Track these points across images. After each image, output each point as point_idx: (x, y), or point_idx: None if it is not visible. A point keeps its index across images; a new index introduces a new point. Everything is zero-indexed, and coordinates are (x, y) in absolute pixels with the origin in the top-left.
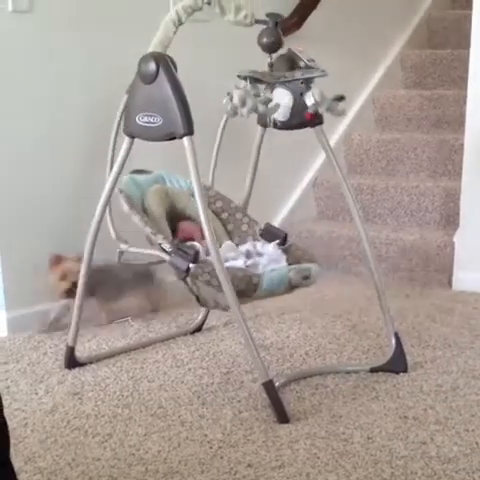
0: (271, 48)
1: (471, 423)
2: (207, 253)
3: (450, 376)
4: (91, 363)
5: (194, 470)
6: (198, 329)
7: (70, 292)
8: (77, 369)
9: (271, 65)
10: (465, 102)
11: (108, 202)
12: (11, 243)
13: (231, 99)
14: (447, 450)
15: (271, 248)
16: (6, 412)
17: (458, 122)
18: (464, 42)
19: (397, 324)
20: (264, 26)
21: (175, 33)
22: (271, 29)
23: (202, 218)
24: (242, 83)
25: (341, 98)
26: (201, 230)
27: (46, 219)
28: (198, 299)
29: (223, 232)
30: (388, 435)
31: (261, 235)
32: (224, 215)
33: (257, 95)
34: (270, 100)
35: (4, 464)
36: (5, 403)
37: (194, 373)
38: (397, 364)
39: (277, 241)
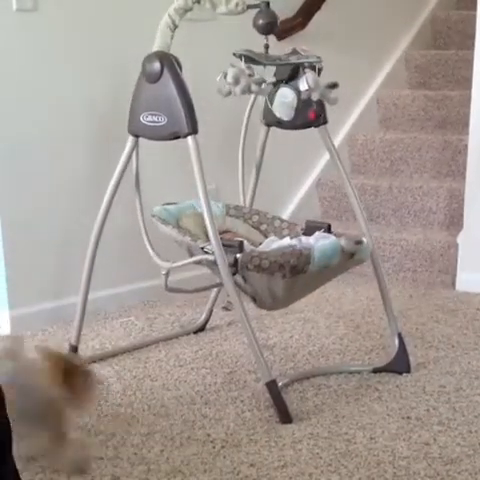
0: (266, 29)
1: (474, 424)
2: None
3: (453, 377)
4: (94, 362)
5: (197, 469)
6: (201, 329)
7: None
8: None
9: (267, 46)
10: (469, 103)
11: (111, 202)
12: (15, 241)
13: (225, 77)
14: (450, 451)
15: (316, 234)
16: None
17: (462, 123)
18: (469, 42)
19: (400, 324)
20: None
21: (172, 37)
22: (264, 10)
23: (205, 210)
24: (238, 62)
25: (334, 85)
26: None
27: (49, 217)
28: (254, 299)
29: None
30: (391, 435)
31: (304, 233)
32: (263, 227)
33: (251, 75)
34: (264, 80)
35: (6, 462)
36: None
37: (197, 373)
38: (400, 365)
39: (322, 229)
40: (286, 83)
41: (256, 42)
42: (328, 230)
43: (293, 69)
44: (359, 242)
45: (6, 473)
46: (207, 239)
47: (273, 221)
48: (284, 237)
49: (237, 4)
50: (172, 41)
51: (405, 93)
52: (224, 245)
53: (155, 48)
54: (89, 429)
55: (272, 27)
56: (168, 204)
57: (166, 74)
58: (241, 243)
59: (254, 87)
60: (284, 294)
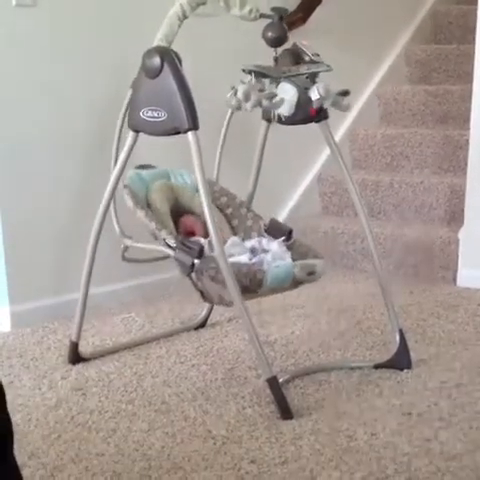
0: (276, 42)
1: (475, 420)
2: (211, 249)
3: (454, 373)
4: (95, 358)
5: (198, 466)
6: (202, 325)
7: None
8: (81, 364)
9: (276, 59)
10: (470, 97)
11: (112, 197)
12: (15, 238)
13: (235, 93)
14: (451, 447)
15: (276, 245)
16: (9, 407)
17: (463, 118)
18: (469, 37)
19: (401, 320)
20: (269, 20)
21: (180, 27)
22: (276, 23)
23: (206, 213)
24: (247, 77)
25: (346, 93)
26: (203, 225)
27: (49, 214)
28: (203, 295)
29: (228, 227)
30: (392, 431)
31: (266, 231)
32: (229, 210)
33: (261, 90)
34: (275, 95)
35: (7, 460)
36: (8, 398)
37: (198, 369)
38: (401, 360)
39: (282, 238)
40: (286, 78)
41: (257, 36)
42: (289, 236)
43: (295, 62)
44: (311, 273)
45: (8, 470)
46: (172, 226)
47: (240, 208)
48: (247, 230)
49: (251, 10)
50: (178, 31)
51: (406, 88)
52: (185, 245)
53: (160, 36)
54: (90, 426)
55: (282, 41)
56: (142, 167)
57: (166, 69)
58: (201, 249)
59: (265, 102)
60: (231, 302)
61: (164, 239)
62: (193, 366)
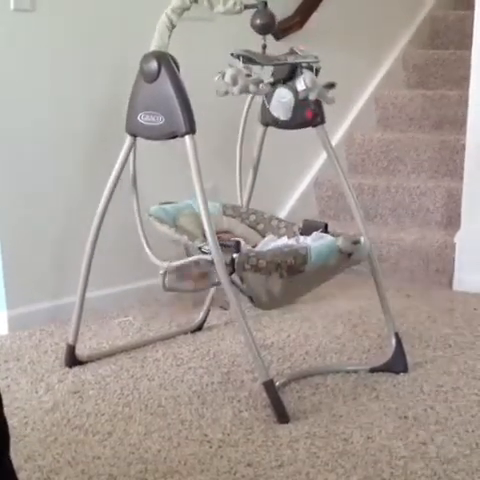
0: (264, 29)
1: (471, 423)
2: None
3: (450, 376)
4: (91, 361)
5: (194, 469)
6: (198, 328)
7: None
8: (77, 367)
9: (264, 47)
10: (467, 102)
11: (109, 200)
12: (12, 241)
13: (223, 77)
14: (447, 450)
15: (314, 234)
16: (6, 410)
17: (460, 122)
18: (467, 42)
19: (397, 324)
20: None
21: (170, 37)
22: (262, 10)
23: (202, 210)
24: (235, 62)
25: (332, 85)
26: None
27: (48, 217)
28: (251, 298)
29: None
30: (388, 435)
31: (301, 233)
32: (260, 227)
33: (249, 75)
34: (261, 80)
35: (3, 463)
36: (5, 402)
37: (194, 372)
38: (397, 364)
39: (319, 230)
40: (283, 83)
41: (254, 42)
42: (325, 229)
43: (291, 69)
44: (356, 242)
45: (4, 474)
46: (204, 239)
47: (270, 221)
48: (281, 236)
49: (235, 3)
50: (169, 40)
51: (403, 93)
52: (221, 245)
53: (153, 48)
54: (86, 429)
55: (270, 27)
56: (165, 203)
57: (163, 74)
58: (238, 243)
59: (252, 87)
60: (281, 294)
61: (199, 248)
62: (189, 369)
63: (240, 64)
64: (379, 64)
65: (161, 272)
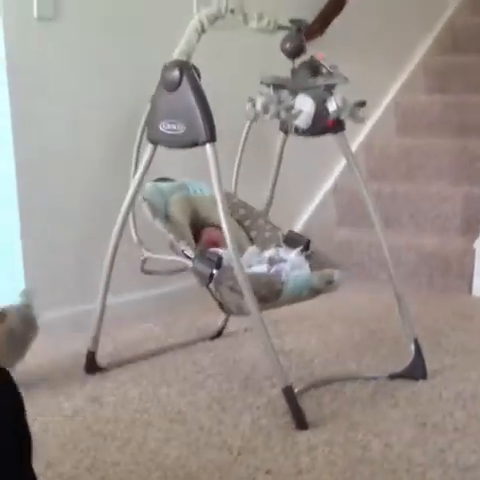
0: (294, 53)
1: None
2: (229, 259)
3: (469, 383)
4: (111, 368)
5: (213, 476)
6: (218, 335)
7: None
8: (97, 374)
9: (293, 71)
10: None
11: (131, 209)
12: (34, 247)
13: (254, 105)
14: (466, 458)
15: (294, 255)
16: (27, 417)
17: None
18: None
19: (416, 330)
20: (287, 32)
21: (198, 41)
22: (294, 35)
23: (224, 225)
24: (265, 89)
25: (362, 104)
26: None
27: (68, 226)
28: (221, 305)
29: (246, 239)
30: (406, 442)
31: (284, 241)
32: (247, 222)
33: (280, 101)
34: (292, 106)
35: (27, 471)
36: (26, 408)
37: (213, 379)
38: (416, 371)
39: (300, 248)
40: (304, 89)
41: (274, 50)
42: (307, 246)
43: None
44: (330, 282)
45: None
46: (190, 239)
47: (257, 219)
48: (265, 242)
49: (269, 23)
50: (197, 45)
51: (423, 99)
52: (203, 256)
53: (179, 50)
54: (105, 435)
55: (299, 52)
56: (161, 180)
57: (185, 83)
58: (219, 259)
59: (283, 114)
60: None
61: (183, 250)
62: (209, 376)
63: (270, 91)
64: (399, 70)
65: (141, 258)
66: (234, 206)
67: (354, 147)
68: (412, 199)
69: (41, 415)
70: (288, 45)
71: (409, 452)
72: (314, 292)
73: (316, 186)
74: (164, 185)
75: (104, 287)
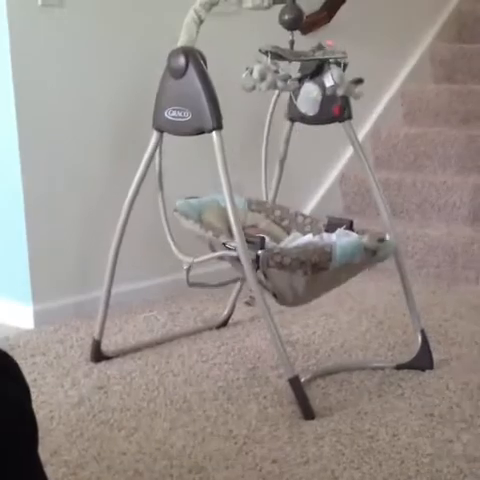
0: (292, 24)
1: None
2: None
3: (477, 374)
4: (117, 357)
5: (219, 465)
6: (224, 324)
7: None
8: (103, 363)
9: (292, 42)
10: None
11: (136, 196)
12: (38, 236)
13: (250, 73)
14: (473, 448)
15: (338, 231)
16: (32, 405)
17: None
18: None
19: (423, 321)
20: (283, 4)
21: (198, 32)
22: (290, 6)
23: (229, 210)
24: (263, 58)
25: (359, 81)
26: (264, 234)
27: (74, 212)
28: (275, 295)
29: (286, 236)
30: (414, 433)
31: (326, 230)
32: (285, 222)
33: (277, 71)
34: (289, 76)
35: (33, 458)
36: (31, 396)
37: (219, 368)
38: (423, 361)
39: (343, 227)
40: (311, 78)
41: (280, 36)
42: (350, 227)
43: (318, 64)
44: (381, 240)
45: (33, 469)
46: (229, 234)
47: (295, 217)
48: (306, 233)
49: None
50: (197, 36)
51: (430, 87)
52: (246, 241)
53: (180, 43)
54: (112, 424)
55: (298, 23)
56: (191, 198)
57: (191, 69)
58: (262, 239)
59: (280, 83)
60: (305, 291)
61: (224, 243)
62: (215, 365)
63: (268, 60)
64: (406, 58)
65: (185, 267)
66: (268, 210)
67: (361, 136)
68: (419, 188)
69: (47, 403)
70: (286, 16)
71: (416, 442)
72: (369, 254)
73: (322, 175)
74: (194, 201)
75: (109, 275)
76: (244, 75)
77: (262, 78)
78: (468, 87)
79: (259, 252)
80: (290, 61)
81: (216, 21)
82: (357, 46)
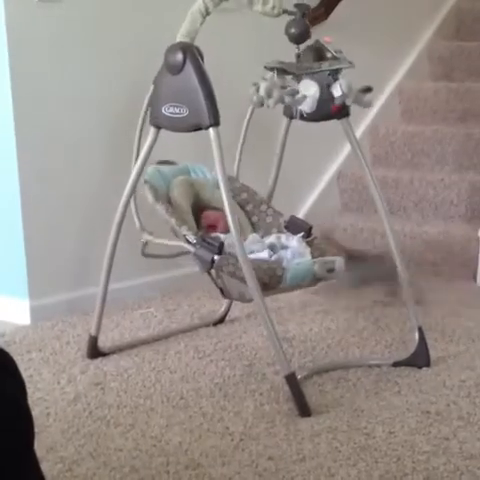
0: (298, 39)
1: None
2: (231, 245)
3: (474, 371)
4: (113, 353)
5: (215, 462)
6: (221, 321)
7: None
8: (99, 359)
9: (298, 56)
10: None
11: (133, 192)
12: (35, 231)
13: (257, 90)
14: (470, 446)
15: (295, 241)
16: (29, 401)
17: None
18: None
19: (420, 318)
20: (291, 17)
21: (202, 24)
22: (298, 19)
23: (227, 210)
24: (269, 74)
25: (368, 89)
26: (225, 220)
27: (70, 208)
28: (222, 291)
29: (247, 224)
30: (410, 430)
31: (286, 227)
32: (249, 207)
33: (284, 86)
34: (297, 92)
35: (29, 451)
36: (28, 392)
37: (216, 365)
38: (420, 358)
39: (302, 234)
40: (308, 74)
41: (278, 33)
42: (309, 232)
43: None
44: (331, 270)
45: (28, 466)
46: (193, 222)
47: (260, 204)
48: (266, 229)
49: (274, 7)
50: (200, 28)
51: (427, 85)
52: (205, 241)
53: (182, 32)
54: (108, 420)
55: (304, 37)
56: (163, 163)
57: (188, 65)
58: (221, 245)
59: (287, 99)
60: (251, 298)
61: (184, 235)
62: (211, 362)
63: (274, 76)
64: (403, 56)
65: (142, 241)
66: (236, 190)
67: (358, 133)
68: (416, 186)
69: (43, 399)
70: (293, 30)
71: (413, 440)
72: (315, 280)
73: (320, 172)
74: (166, 168)
75: (106, 272)
76: (251, 92)
77: (269, 95)
78: (466, 85)
79: (215, 257)
80: (297, 75)
81: (214, 17)
82: (355, 43)
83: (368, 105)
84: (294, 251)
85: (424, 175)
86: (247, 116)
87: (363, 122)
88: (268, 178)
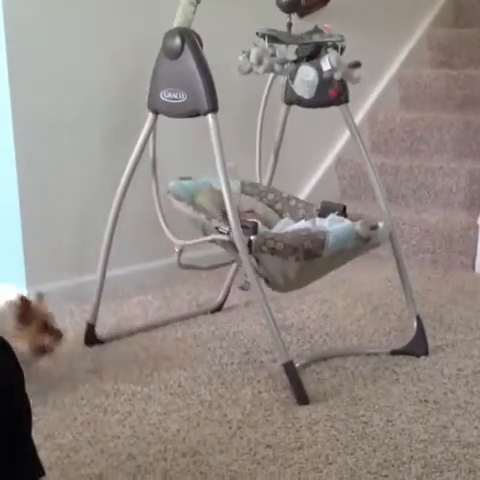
0: (290, 7)
1: None
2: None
3: (471, 360)
4: (111, 341)
5: (213, 450)
6: (218, 308)
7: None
8: (97, 346)
9: (289, 25)
10: None
11: (131, 178)
12: (33, 219)
13: (248, 56)
14: (467, 434)
15: (331, 216)
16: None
17: None
18: None
19: (419, 306)
20: None
21: (194, 13)
22: None
23: (225, 193)
24: (260, 41)
25: (357, 64)
26: (259, 216)
27: (68, 195)
28: (267, 280)
29: (279, 220)
30: (408, 418)
31: (319, 215)
32: (278, 206)
33: (274, 55)
34: (287, 60)
35: (27, 439)
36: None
37: (214, 352)
38: (418, 347)
39: (336, 212)
40: (307, 61)
41: (276, 18)
42: (343, 212)
43: (315, 47)
44: (374, 227)
45: (26, 454)
46: (222, 218)
47: (288, 201)
48: (299, 219)
49: None
50: (193, 17)
51: (427, 72)
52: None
53: (176, 24)
54: (105, 408)
55: (295, 6)
56: (184, 179)
57: (187, 51)
58: (255, 225)
59: (277, 67)
60: (297, 277)
61: (216, 227)
62: (209, 349)
63: (265, 43)
64: (403, 43)
65: (177, 250)
66: (262, 193)
67: (357, 120)
68: (415, 173)
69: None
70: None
71: (410, 428)
72: (362, 241)
73: (319, 159)
74: (187, 182)
75: (104, 259)
76: (241, 58)
77: (259, 62)
78: (465, 72)
79: (252, 237)
80: (287, 44)
81: (212, 2)
82: (354, 30)
83: (356, 81)
84: (332, 220)
85: (423, 162)
86: (260, 114)
87: (362, 109)
88: (267, 165)
